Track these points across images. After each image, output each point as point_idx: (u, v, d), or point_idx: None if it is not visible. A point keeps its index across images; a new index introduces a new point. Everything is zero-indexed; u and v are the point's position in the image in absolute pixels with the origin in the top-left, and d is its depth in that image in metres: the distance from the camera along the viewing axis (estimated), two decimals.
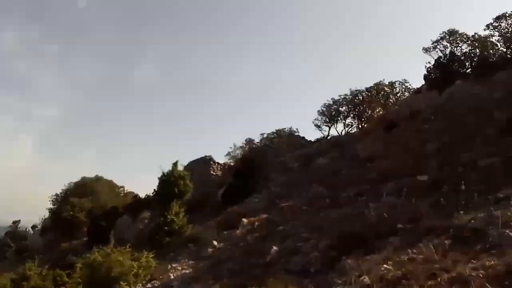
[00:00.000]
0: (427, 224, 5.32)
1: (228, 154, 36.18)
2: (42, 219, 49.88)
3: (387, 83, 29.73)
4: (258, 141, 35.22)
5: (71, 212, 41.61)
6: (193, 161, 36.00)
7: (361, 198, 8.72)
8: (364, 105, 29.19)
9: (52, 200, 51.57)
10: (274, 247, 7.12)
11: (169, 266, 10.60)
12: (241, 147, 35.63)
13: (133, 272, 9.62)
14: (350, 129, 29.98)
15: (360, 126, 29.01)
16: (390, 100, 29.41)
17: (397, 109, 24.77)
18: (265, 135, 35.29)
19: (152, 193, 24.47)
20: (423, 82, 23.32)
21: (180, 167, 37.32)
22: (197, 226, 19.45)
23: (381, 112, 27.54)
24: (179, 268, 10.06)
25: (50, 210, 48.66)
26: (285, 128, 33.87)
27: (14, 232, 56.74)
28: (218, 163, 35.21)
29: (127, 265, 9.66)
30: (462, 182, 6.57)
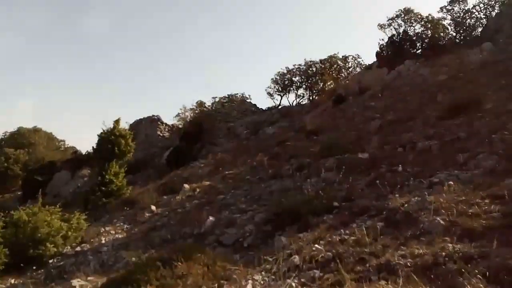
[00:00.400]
0: (361, 204, 5.35)
1: (178, 115, 35.14)
2: None
3: (340, 57, 29.94)
4: (210, 104, 34.55)
5: (5, 164, 39.23)
6: (140, 119, 34.73)
7: (303, 172, 8.70)
8: (317, 77, 29.30)
9: None
10: (210, 217, 6.95)
11: (102, 229, 10.17)
12: (191, 109, 34.73)
13: (61, 234, 9.10)
14: (302, 100, 30.12)
15: (311, 98, 29.22)
16: (342, 74, 29.76)
17: (347, 84, 25.14)
18: (217, 99, 34.61)
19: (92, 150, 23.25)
20: (375, 59, 23.65)
21: (125, 125, 35.86)
22: (138, 188, 18.92)
23: (332, 85, 27.84)
24: (113, 231, 9.67)
25: None
26: (237, 94, 33.39)
27: None
28: (166, 124, 34.25)
29: (55, 226, 9.12)
30: (399, 163, 6.71)
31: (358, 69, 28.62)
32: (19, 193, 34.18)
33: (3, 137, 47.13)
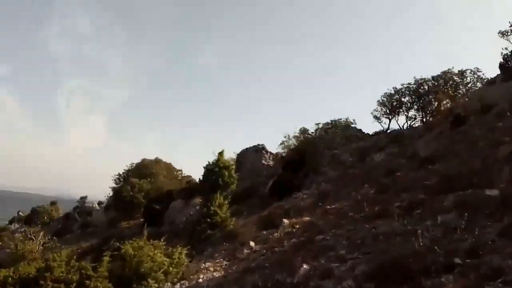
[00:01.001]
0: (493, 263, 4.14)
1: (282, 143, 35.22)
2: (107, 196, 52.96)
3: (456, 72, 26.89)
4: (313, 131, 33.96)
5: (131, 193, 43.53)
6: (245, 149, 35.74)
7: (415, 212, 7.46)
8: (430, 96, 26.67)
9: (114, 180, 54.48)
10: (305, 265, 6.25)
11: (202, 265, 10.13)
12: (295, 136, 34.55)
13: (163, 270, 9.26)
14: (413, 122, 27.66)
15: (424, 120, 26.63)
16: (460, 91, 26.63)
17: (467, 102, 22.29)
18: (320, 125, 33.90)
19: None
20: (498, 71, 20.57)
21: (232, 155, 37.17)
22: (242, 218, 19.00)
23: (448, 105, 24.98)
24: (211, 268, 9.54)
25: (113, 189, 51.43)
26: (341, 119, 32.23)
27: (81, 207, 61.05)
28: (270, 152, 34.63)
29: (158, 261, 9.33)
30: None
31: (478, 85, 25.32)
32: (141, 220, 37.51)
33: (130, 168, 52.82)
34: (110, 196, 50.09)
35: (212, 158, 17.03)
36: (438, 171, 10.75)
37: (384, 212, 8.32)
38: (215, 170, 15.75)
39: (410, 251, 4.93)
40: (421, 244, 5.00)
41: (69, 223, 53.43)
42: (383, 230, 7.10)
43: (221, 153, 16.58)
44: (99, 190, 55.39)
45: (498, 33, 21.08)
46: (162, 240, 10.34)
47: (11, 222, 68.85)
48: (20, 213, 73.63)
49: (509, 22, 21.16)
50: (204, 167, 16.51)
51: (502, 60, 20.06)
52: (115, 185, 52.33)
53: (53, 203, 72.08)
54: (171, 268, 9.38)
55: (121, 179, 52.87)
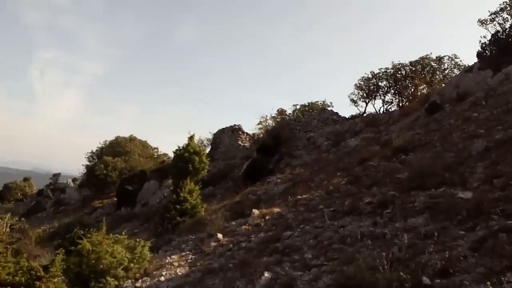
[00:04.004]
0: (465, 285, 3.83)
1: (259, 123, 34.69)
2: (81, 173, 51.65)
3: (434, 58, 26.78)
4: (290, 112, 33.60)
5: (105, 171, 42.54)
6: (222, 129, 35.14)
7: (386, 211, 7.17)
8: (407, 81, 26.57)
9: (87, 157, 53.05)
10: (266, 274, 5.87)
11: (167, 259, 9.71)
12: (272, 117, 34.10)
13: (123, 266, 8.78)
14: (390, 106, 27.59)
15: (400, 104, 26.58)
16: (437, 77, 26.60)
17: (443, 89, 22.22)
18: (297, 107, 33.55)
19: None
20: (476, 59, 20.49)
21: (208, 135, 36.43)
22: (215, 203, 18.64)
23: (425, 90, 24.94)
24: (176, 263, 9.12)
25: (86, 167, 50.15)
26: (318, 101, 31.94)
27: (54, 184, 59.51)
28: (247, 133, 34.14)
29: (118, 257, 8.83)
30: None
31: (456, 71, 25.31)
32: (115, 199, 36.79)
33: (103, 145, 51.45)
34: (84, 174, 48.96)
35: (186, 140, 16.36)
36: (411, 163, 10.52)
37: (353, 209, 8.03)
38: (185, 155, 15.17)
39: (376, 266, 4.59)
40: (390, 255, 4.66)
41: (43, 200, 52.11)
42: (351, 230, 6.79)
43: (191, 138, 15.97)
44: (76, 165, 53.87)
45: (478, 21, 20.90)
46: (123, 233, 9.80)
47: None
48: None
49: (489, 11, 20.99)
50: (173, 152, 15.91)
51: (479, 49, 19.93)
52: (88, 163, 51.03)
53: (26, 179, 70.05)
54: (132, 264, 8.90)
55: (95, 157, 51.54)
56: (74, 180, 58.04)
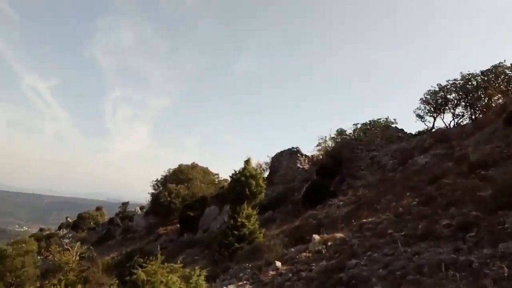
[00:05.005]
0: None
1: (318, 145, 33.68)
2: (147, 201, 53.66)
3: (509, 65, 24.34)
4: (351, 132, 32.28)
5: (168, 198, 43.71)
6: (280, 152, 34.63)
7: (468, 235, 6.07)
8: (479, 92, 24.31)
9: (153, 186, 55.11)
10: None
11: None
12: (332, 138, 32.98)
13: None
14: (461, 120, 25.35)
15: (473, 117, 24.32)
16: None
17: None
18: (358, 126, 32.16)
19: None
20: None
21: (266, 159, 36.04)
22: (274, 228, 17.93)
23: (500, 100, 22.60)
24: None
25: (151, 195, 52.05)
26: (380, 119, 30.33)
27: (124, 212, 62.45)
28: (305, 155, 33.31)
29: (173, 287, 8.45)
30: None
31: None
32: (178, 225, 37.39)
33: (167, 173, 53.21)
34: (150, 201, 50.74)
35: (241, 162, 16.07)
36: (494, 179, 9.17)
37: (429, 233, 6.96)
38: (241, 180, 14.78)
39: None
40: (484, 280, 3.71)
41: (113, 228, 54.72)
42: (428, 258, 5.78)
43: (247, 161, 15.59)
44: (144, 194, 56.32)
45: None
46: (179, 261, 9.46)
47: (60, 227, 71.75)
48: (68, 219, 76.68)
49: None
50: (230, 176, 15.60)
51: None
52: (153, 191, 52.95)
53: (98, 209, 74.51)
54: None
55: (159, 185, 53.40)
56: (141, 208, 60.39)
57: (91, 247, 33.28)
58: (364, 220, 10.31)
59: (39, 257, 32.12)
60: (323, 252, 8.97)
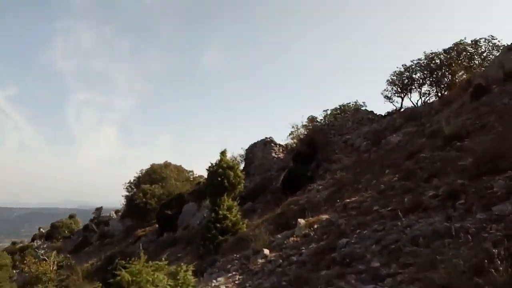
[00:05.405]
0: None
1: (291, 133, 33.74)
2: (122, 205, 52.33)
3: (469, 42, 25.11)
4: (322, 118, 32.51)
5: (144, 199, 42.78)
6: (254, 143, 34.49)
7: (458, 203, 6.09)
8: (443, 70, 24.96)
9: (126, 188, 53.79)
10: None
11: (213, 282, 8.92)
12: (303, 126, 33.11)
13: None
14: (427, 98, 26.00)
15: (439, 94, 24.97)
16: (475, 61, 24.88)
17: (486, 71, 20.62)
18: (328, 111, 32.44)
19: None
20: None
21: (240, 151, 35.82)
22: (256, 218, 17.79)
23: (464, 76, 23.28)
24: (223, 286, 8.31)
25: (126, 197, 50.82)
26: (349, 103, 30.70)
27: (98, 217, 60.78)
28: (279, 144, 33.32)
29: (160, 285, 8.12)
30: None
31: (495, 53, 23.54)
32: (156, 225, 36.67)
33: (140, 174, 52.06)
34: (125, 204, 49.54)
35: (217, 158, 15.75)
36: (471, 148, 9.34)
37: (416, 205, 6.97)
38: (219, 171, 14.49)
39: (470, 263, 3.59)
40: (483, 253, 3.65)
41: (88, 235, 53.13)
42: (421, 229, 5.75)
43: (223, 153, 15.30)
44: (117, 198, 54.89)
45: None
46: (163, 259, 9.11)
47: (33, 239, 68.99)
48: (41, 229, 73.84)
49: None
50: (206, 169, 15.27)
51: None
52: (127, 193, 51.72)
53: (71, 217, 72.16)
54: None
55: (133, 187, 52.22)
56: (116, 212, 58.95)
57: (68, 256, 32.08)
58: (348, 200, 10.30)
59: (14, 271, 30.74)
60: (311, 235, 8.87)
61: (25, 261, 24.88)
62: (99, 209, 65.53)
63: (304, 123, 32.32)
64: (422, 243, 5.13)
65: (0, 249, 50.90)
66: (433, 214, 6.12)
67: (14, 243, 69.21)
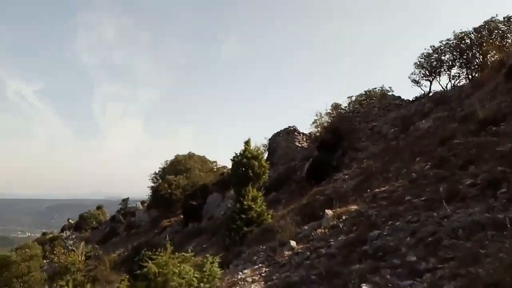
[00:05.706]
0: None
1: (315, 122, 33.20)
2: (148, 195, 53.31)
3: (501, 19, 23.78)
4: (346, 105, 31.81)
5: (169, 190, 43.35)
6: (277, 133, 34.17)
7: (500, 192, 5.66)
8: (474, 50, 23.80)
9: (151, 179, 54.67)
10: (364, 286, 4.68)
11: (239, 274, 8.79)
12: (327, 113, 32.50)
13: (193, 287, 7.97)
14: (458, 81, 24.91)
15: (470, 77, 23.88)
16: (508, 40, 23.56)
17: None
18: (353, 98, 31.70)
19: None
20: None
21: (264, 141, 35.55)
22: (281, 208, 17.58)
23: (497, 56, 22.12)
24: (249, 279, 8.16)
25: (151, 188, 51.68)
26: (375, 88, 29.85)
27: (125, 209, 62.13)
28: (303, 133, 32.89)
29: (187, 277, 8.05)
30: None
31: None
32: (181, 216, 37.13)
33: (164, 165, 52.74)
34: (150, 195, 50.41)
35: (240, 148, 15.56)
36: (508, 133, 8.77)
37: (453, 194, 6.55)
38: (243, 161, 14.31)
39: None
40: None
41: (116, 225, 54.44)
42: (460, 220, 5.37)
43: (247, 142, 15.08)
44: (143, 189, 55.96)
45: None
46: (189, 250, 9.04)
47: (62, 230, 71.49)
48: (70, 220, 76.40)
49: None
50: (231, 159, 15.11)
51: None
52: (153, 184, 52.60)
53: (99, 208, 74.27)
54: (202, 284, 8.07)
55: (158, 178, 53.02)
56: (142, 202, 60.07)
57: (96, 246, 32.91)
58: (377, 190, 9.90)
59: (44, 261, 31.80)
60: (340, 226, 8.56)
61: (54, 252, 25.61)
62: (125, 200, 66.98)
63: (328, 111, 31.73)
64: (462, 235, 4.77)
65: (32, 240, 52.88)
66: (472, 204, 5.71)
67: (44, 234, 71.93)
